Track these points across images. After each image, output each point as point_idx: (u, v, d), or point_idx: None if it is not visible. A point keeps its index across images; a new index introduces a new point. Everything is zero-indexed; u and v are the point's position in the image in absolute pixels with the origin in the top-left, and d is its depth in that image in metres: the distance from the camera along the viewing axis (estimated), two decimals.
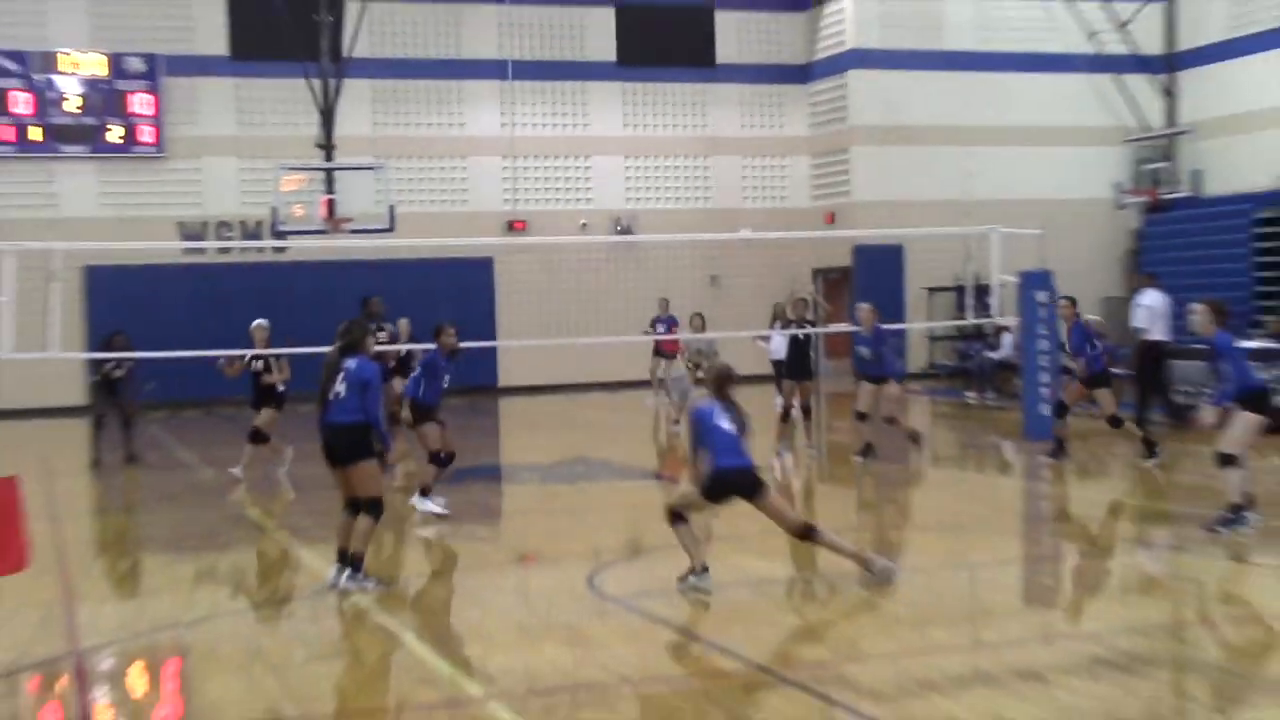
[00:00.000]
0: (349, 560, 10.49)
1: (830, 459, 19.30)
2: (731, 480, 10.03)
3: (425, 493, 14.08)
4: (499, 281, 31.84)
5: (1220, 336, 11.98)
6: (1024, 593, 10.75)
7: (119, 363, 19.73)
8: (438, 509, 13.92)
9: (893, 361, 18.47)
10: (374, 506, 10.60)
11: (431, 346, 14.66)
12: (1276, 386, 19.39)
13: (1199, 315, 12.39)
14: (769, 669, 7.99)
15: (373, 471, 10.69)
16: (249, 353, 17.46)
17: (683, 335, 24.13)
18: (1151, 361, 20.17)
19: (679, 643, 8.80)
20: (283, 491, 16.61)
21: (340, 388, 10.59)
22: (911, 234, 29.33)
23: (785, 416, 19.62)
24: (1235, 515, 11.54)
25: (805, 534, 10.20)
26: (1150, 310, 20.15)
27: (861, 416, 17.77)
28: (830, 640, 8.90)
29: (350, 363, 10.67)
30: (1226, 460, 11.68)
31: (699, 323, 23.83)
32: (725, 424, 10.11)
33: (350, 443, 10.57)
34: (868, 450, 17.43)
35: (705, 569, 10.04)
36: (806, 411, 19.51)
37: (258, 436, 17.33)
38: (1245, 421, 11.73)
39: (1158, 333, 19.99)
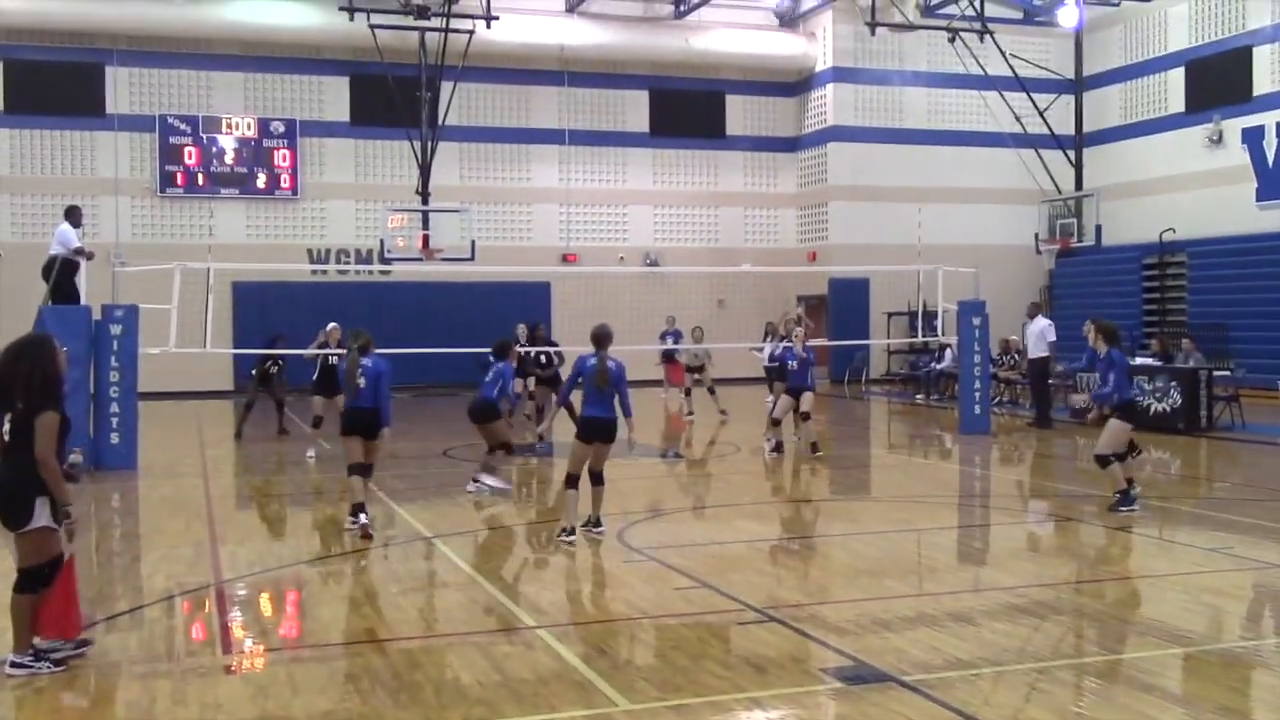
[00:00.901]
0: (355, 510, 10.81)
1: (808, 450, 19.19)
2: (596, 427, 10.25)
3: (489, 470, 13.33)
4: (555, 301, 31.81)
5: (1113, 353, 11.74)
6: (958, 553, 10.64)
7: (277, 359, 19.57)
8: (500, 484, 13.32)
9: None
10: (368, 470, 11.15)
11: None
12: (1159, 397, 19.26)
13: (1089, 333, 12.22)
14: (757, 608, 7.91)
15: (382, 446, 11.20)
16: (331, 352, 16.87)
17: (685, 346, 23.97)
18: (1039, 375, 20.12)
19: (688, 586, 8.72)
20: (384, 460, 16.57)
21: (360, 381, 10.98)
22: (875, 270, 29.22)
23: (774, 415, 19.41)
24: (1125, 495, 11.40)
25: (597, 478, 10.50)
26: (1038, 335, 20.08)
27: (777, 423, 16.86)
28: (806, 587, 8.82)
29: (366, 360, 11.07)
30: (1104, 462, 11.50)
31: (699, 334, 23.67)
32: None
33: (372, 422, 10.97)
34: (808, 447, 16.35)
35: (573, 530, 10.30)
36: (805, 417, 18.90)
37: (319, 421, 16.91)
38: (1115, 428, 11.57)
39: (1043, 351, 19.90)
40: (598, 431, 10.33)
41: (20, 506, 6.47)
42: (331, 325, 17.17)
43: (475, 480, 13.31)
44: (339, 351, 16.79)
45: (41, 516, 6.49)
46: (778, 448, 16.68)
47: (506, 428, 13.65)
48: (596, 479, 10.54)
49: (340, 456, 11.91)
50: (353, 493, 10.98)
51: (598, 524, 10.53)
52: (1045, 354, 19.96)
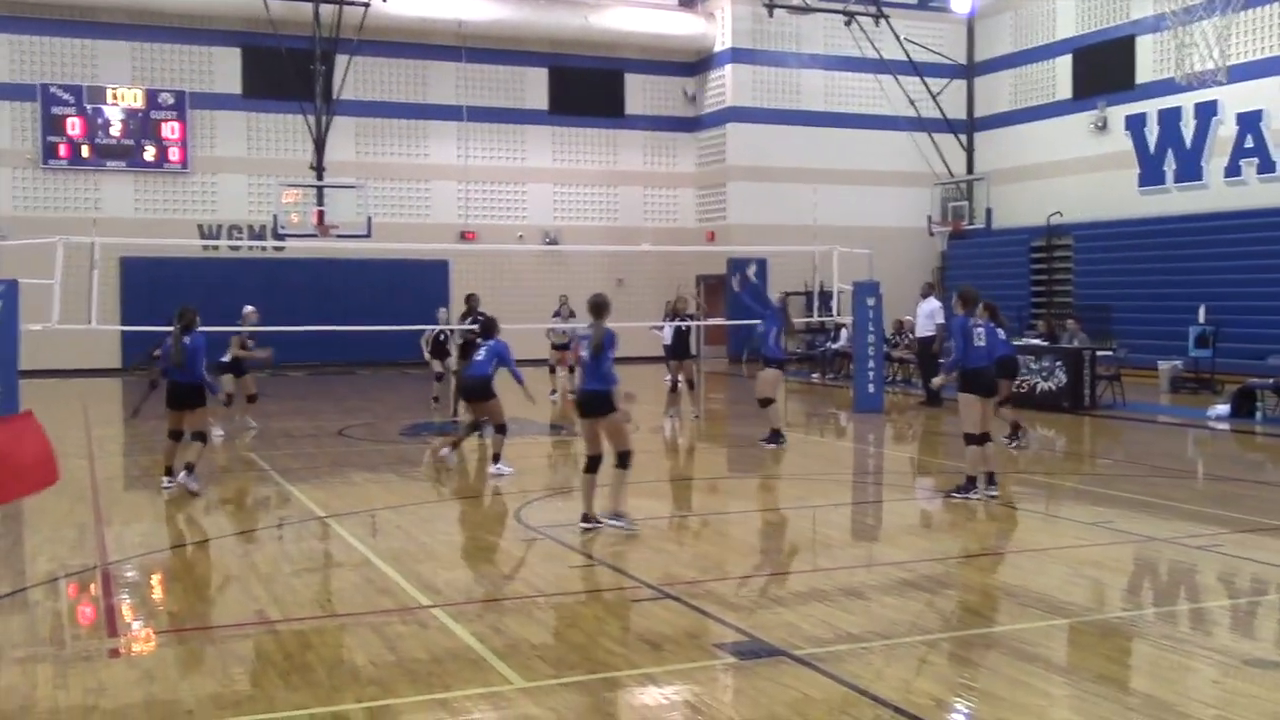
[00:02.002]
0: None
1: (708, 423, 19.31)
2: (589, 401, 9.81)
3: (497, 459, 13.20)
4: (453, 279, 31.51)
5: (956, 320, 11.32)
6: (851, 529, 10.80)
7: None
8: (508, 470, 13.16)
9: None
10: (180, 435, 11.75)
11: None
12: (1045, 376, 19.76)
13: (953, 300, 11.65)
14: (653, 586, 7.94)
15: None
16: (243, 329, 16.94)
17: (575, 324, 23.70)
18: (927, 354, 20.51)
19: (584, 565, 8.73)
20: (274, 439, 16.31)
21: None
22: (773, 250, 29.44)
23: (673, 389, 19.58)
24: (970, 484, 11.19)
25: (622, 460, 9.82)
26: (928, 315, 20.44)
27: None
28: (701, 564, 8.87)
29: (186, 338, 11.76)
30: (971, 439, 11.12)
31: (566, 309, 22.97)
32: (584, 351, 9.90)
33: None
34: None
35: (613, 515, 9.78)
36: (690, 385, 19.46)
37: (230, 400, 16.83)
38: (961, 402, 11.18)
39: (930, 330, 20.29)
40: (594, 406, 9.83)
41: None
42: (249, 309, 17.12)
43: (496, 467, 13.09)
44: (253, 330, 17.00)
45: None
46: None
47: (501, 406, 13.32)
48: (619, 460, 9.81)
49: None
50: (166, 455, 11.90)
51: (615, 517, 9.78)
52: (933, 333, 20.33)
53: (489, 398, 13.16)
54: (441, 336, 19.60)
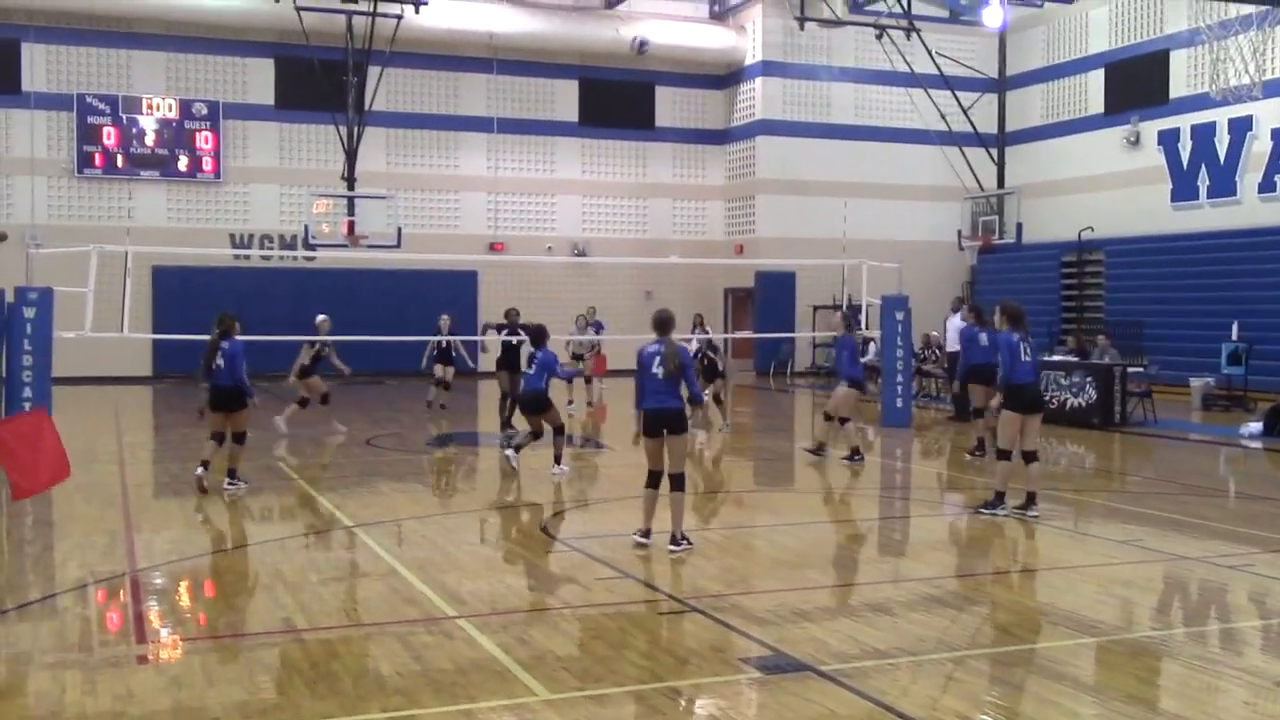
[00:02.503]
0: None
1: (735, 436, 19.28)
2: (658, 419, 9.49)
3: (559, 460, 13.81)
4: (481, 290, 31.64)
5: (1003, 336, 11.32)
6: (878, 544, 10.76)
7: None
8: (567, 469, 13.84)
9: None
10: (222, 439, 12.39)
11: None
12: (1075, 391, 19.63)
13: (995, 316, 11.98)
14: (679, 599, 7.93)
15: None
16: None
17: (606, 337, 24.12)
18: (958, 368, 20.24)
19: (611, 576, 8.73)
20: (302, 448, 16.39)
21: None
22: (801, 263, 29.42)
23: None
24: (998, 500, 11.16)
25: (677, 482, 9.55)
26: (958, 330, 20.01)
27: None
28: (727, 578, 8.85)
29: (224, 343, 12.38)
30: (1003, 455, 11.19)
31: (582, 321, 23.73)
32: (657, 369, 9.52)
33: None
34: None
35: (647, 533, 9.65)
36: (717, 400, 19.35)
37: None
38: (1006, 419, 11.20)
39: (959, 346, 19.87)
40: (662, 423, 9.53)
41: None
42: (321, 317, 17.95)
43: (559, 468, 13.76)
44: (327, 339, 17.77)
45: None
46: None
47: (558, 411, 14.17)
48: (674, 482, 9.53)
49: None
50: (208, 452, 12.46)
51: (676, 541, 9.45)
52: (959, 349, 20.09)
53: (547, 408, 13.84)
54: (444, 344, 19.99)
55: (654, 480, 9.70)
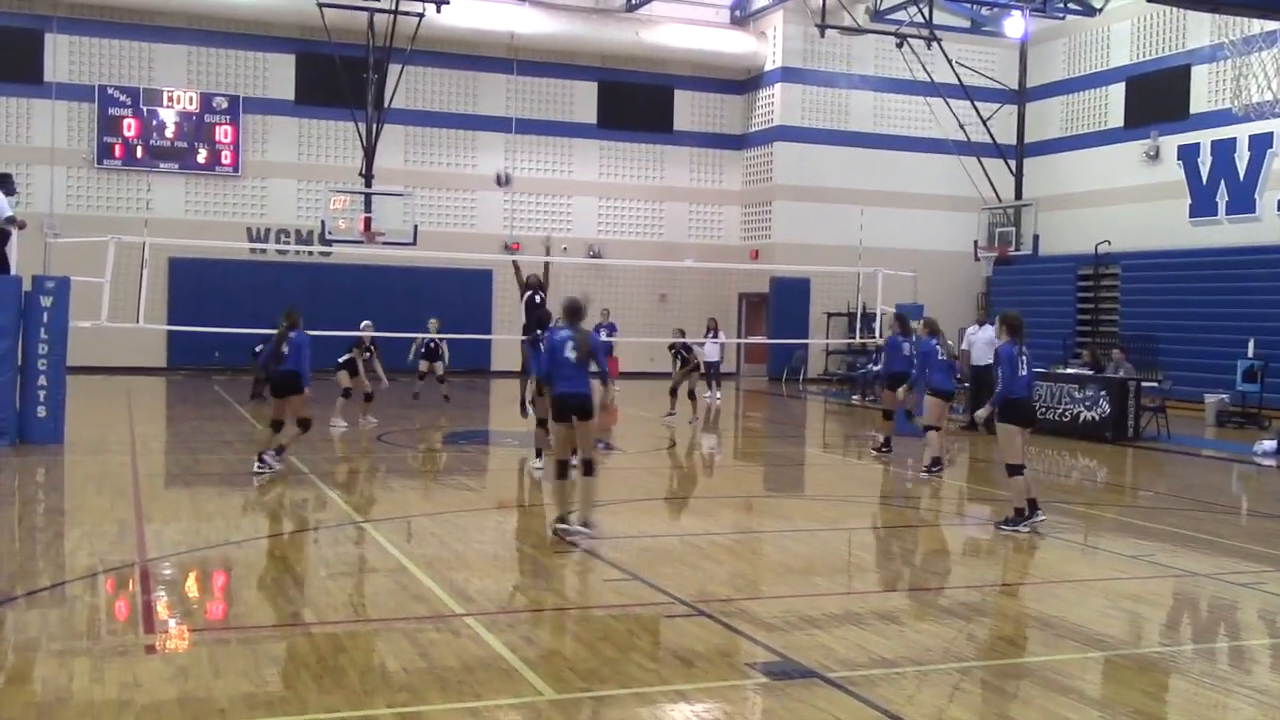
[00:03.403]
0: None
1: (745, 440, 19.28)
2: (567, 404, 9.76)
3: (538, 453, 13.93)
4: (496, 289, 31.68)
5: (1004, 348, 11.18)
6: (887, 553, 10.73)
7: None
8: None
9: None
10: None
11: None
12: (1089, 405, 19.56)
13: (997, 327, 11.75)
14: (687, 602, 7.92)
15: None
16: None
17: (620, 339, 24.43)
18: (984, 382, 20.05)
19: (619, 579, 8.72)
20: (314, 443, 16.43)
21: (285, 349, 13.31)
22: (816, 270, 29.42)
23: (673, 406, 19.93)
24: (1018, 517, 11.01)
25: (588, 468, 9.84)
26: (986, 343, 19.73)
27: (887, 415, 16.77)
28: (736, 582, 8.85)
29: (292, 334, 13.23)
30: (1014, 470, 11.04)
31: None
32: (569, 354, 9.80)
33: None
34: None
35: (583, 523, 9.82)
36: (691, 396, 19.69)
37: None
38: (1007, 433, 11.10)
39: (989, 359, 19.49)
40: (571, 409, 9.82)
41: None
42: (366, 323, 18.77)
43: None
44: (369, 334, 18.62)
45: None
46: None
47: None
48: (585, 467, 9.87)
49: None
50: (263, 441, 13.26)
51: (585, 524, 9.81)
52: (990, 361, 19.82)
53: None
54: (432, 343, 20.25)
55: (563, 470, 9.96)
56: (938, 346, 14.40)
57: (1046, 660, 6.94)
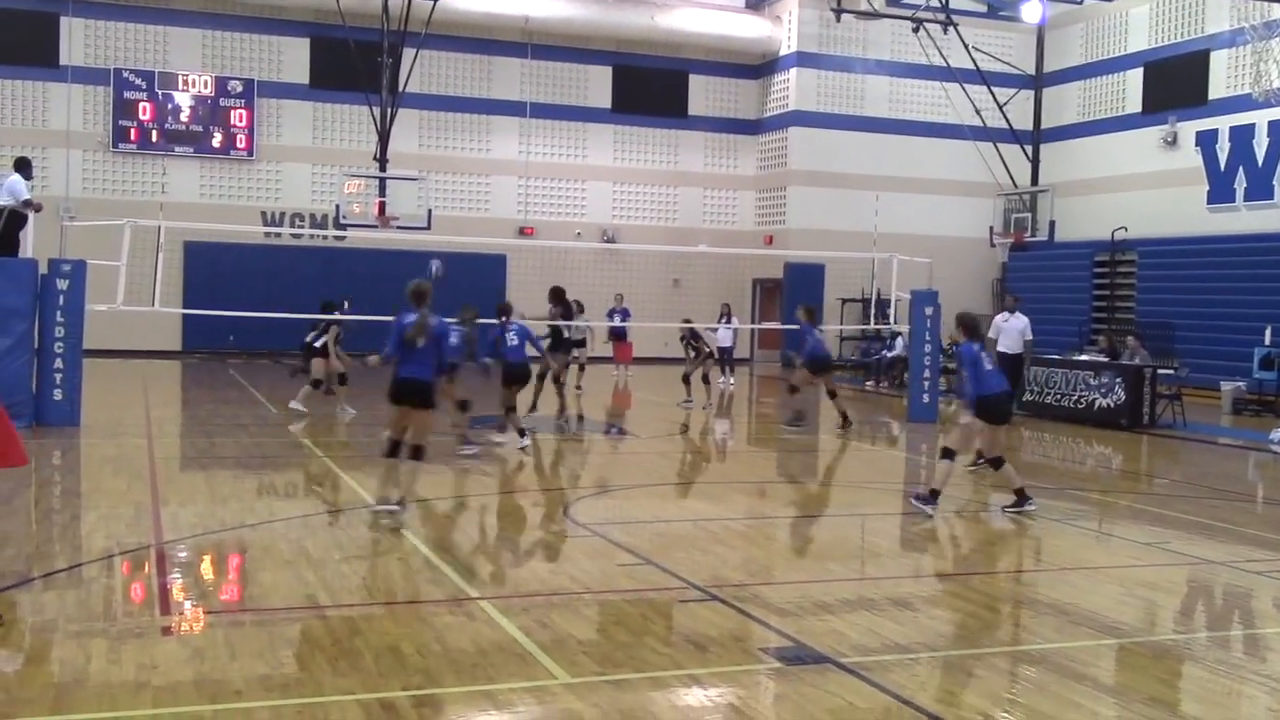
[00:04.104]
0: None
1: (759, 426, 19.28)
2: (404, 389, 9.75)
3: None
4: (510, 273, 31.71)
5: (965, 349, 11.08)
6: (900, 539, 10.72)
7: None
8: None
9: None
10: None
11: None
12: (1104, 392, 19.50)
13: (955, 328, 11.52)
14: (700, 587, 7.94)
15: None
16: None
17: (633, 324, 24.60)
18: (1015, 371, 19.79)
19: (632, 563, 8.74)
20: (329, 427, 16.49)
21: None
22: (831, 256, 29.35)
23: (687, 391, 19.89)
24: (932, 498, 10.92)
25: (416, 452, 9.83)
26: (1018, 332, 19.43)
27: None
28: (749, 567, 8.86)
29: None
30: (946, 454, 10.98)
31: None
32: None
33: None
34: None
35: (397, 502, 9.74)
36: (705, 380, 19.69)
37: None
38: (969, 424, 11.06)
39: (1018, 348, 18.85)
40: (409, 393, 9.82)
41: None
42: (344, 301, 18.55)
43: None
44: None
45: None
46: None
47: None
48: (413, 451, 9.86)
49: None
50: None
51: (399, 503, 9.74)
52: (1020, 351, 19.46)
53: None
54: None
55: (393, 449, 9.94)
56: (983, 353, 13.75)
57: (1060, 647, 6.94)
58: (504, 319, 14.46)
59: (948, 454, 11.04)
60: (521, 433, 14.41)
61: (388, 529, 9.48)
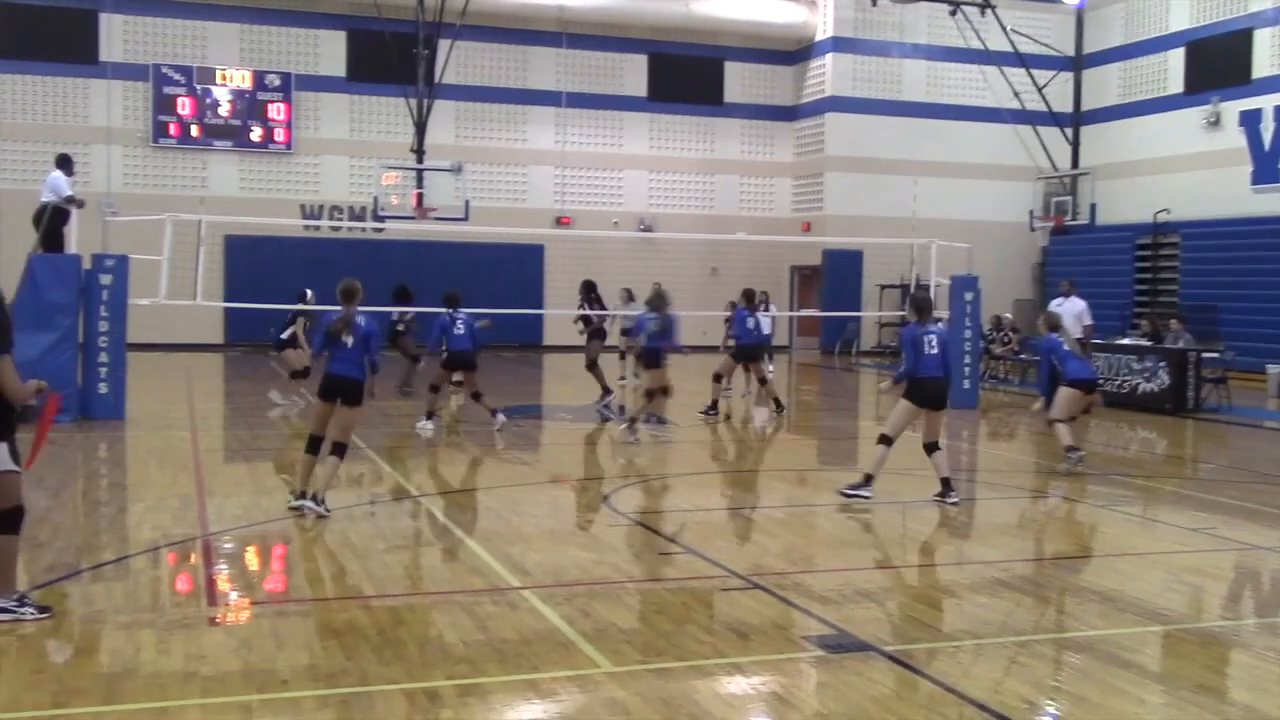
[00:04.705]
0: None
1: (798, 414, 19.23)
2: (334, 384, 9.81)
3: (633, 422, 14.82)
4: (548, 263, 31.78)
5: (908, 329, 10.94)
6: (943, 526, 10.67)
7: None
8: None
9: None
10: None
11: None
12: (1147, 376, 19.31)
13: (907, 307, 11.41)
14: (742, 575, 7.94)
15: None
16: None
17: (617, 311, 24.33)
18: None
19: (674, 552, 8.75)
20: (370, 418, 16.59)
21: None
22: (869, 242, 29.22)
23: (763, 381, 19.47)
24: (865, 483, 10.83)
25: (338, 449, 9.79)
26: (1075, 316, 18.97)
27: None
28: (791, 556, 8.85)
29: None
30: (884, 440, 10.90)
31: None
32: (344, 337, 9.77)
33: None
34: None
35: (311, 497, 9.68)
36: (761, 381, 19.05)
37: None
38: (903, 408, 10.88)
39: (1077, 333, 18.74)
40: (337, 390, 9.85)
41: None
42: (309, 292, 18.05)
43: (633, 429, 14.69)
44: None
45: (3, 460, 6.44)
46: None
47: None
48: (335, 448, 9.83)
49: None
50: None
51: (315, 500, 9.67)
52: (1080, 336, 19.21)
53: (654, 365, 14.97)
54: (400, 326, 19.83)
55: (313, 445, 9.89)
56: (1062, 340, 13.49)
57: (1106, 634, 6.89)
58: (453, 309, 15.11)
59: (885, 440, 10.87)
60: (430, 416, 15.12)
61: (310, 521, 9.46)
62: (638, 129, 33.43)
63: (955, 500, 10.78)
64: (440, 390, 15.57)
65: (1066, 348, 13.09)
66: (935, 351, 10.82)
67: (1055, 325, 13.45)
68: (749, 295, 17.73)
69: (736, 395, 20.32)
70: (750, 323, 17.38)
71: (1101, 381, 14.24)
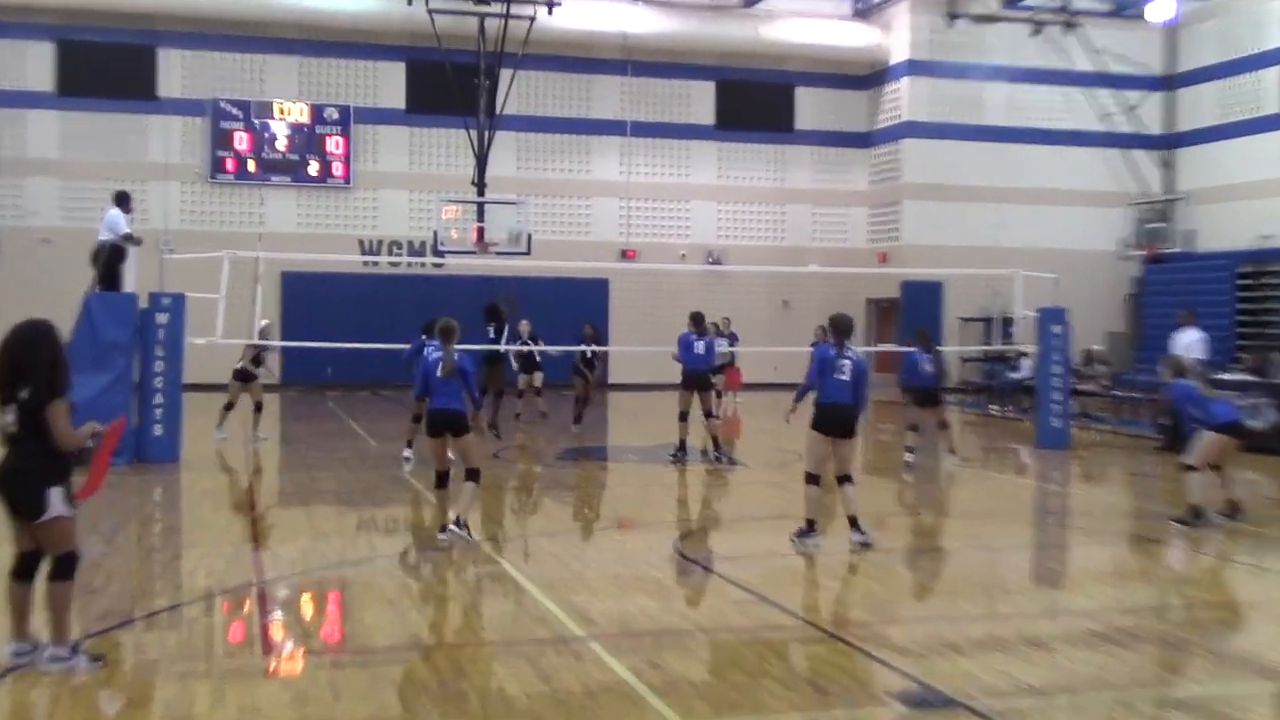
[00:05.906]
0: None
1: (876, 454, 19.04)
2: (439, 419, 10.50)
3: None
4: (613, 298, 31.85)
5: (819, 349, 10.89)
6: (1034, 573, 10.48)
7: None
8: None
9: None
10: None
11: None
12: (1251, 414, 18.86)
13: (826, 326, 11.32)
14: (819, 626, 7.83)
15: None
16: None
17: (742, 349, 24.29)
18: None
19: (746, 600, 8.66)
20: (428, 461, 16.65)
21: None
22: (949, 273, 28.94)
23: None
24: (809, 529, 10.47)
25: (471, 475, 10.53)
26: (1186, 348, 18.43)
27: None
28: (871, 605, 8.72)
29: None
30: (808, 479, 10.58)
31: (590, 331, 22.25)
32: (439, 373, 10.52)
33: None
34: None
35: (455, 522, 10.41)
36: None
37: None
38: (811, 441, 10.53)
39: None
40: (444, 425, 10.56)
41: (35, 497, 6.51)
42: (266, 321, 19.06)
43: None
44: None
45: (57, 506, 6.54)
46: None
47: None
48: (468, 475, 10.60)
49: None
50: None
51: (457, 524, 10.45)
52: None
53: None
54: (526, 351, 20.14)
55: (441, 481, 10.84)
56: (1194, 385, 12.52)
57: (1213, 692, 6.69)
58: (425, 338, 15.08)
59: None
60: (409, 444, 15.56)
61: (449, 545, 10.15)
62: (705, 158, 33.49)
63: (863, 540, 10.35)
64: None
65: (1201, 392, 12.59)
66: (845, 378, 10.43)
67: (1180, 370, 12.77)
68: (697, 319, 17.55)
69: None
70: (699, 348, 17.18)
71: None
